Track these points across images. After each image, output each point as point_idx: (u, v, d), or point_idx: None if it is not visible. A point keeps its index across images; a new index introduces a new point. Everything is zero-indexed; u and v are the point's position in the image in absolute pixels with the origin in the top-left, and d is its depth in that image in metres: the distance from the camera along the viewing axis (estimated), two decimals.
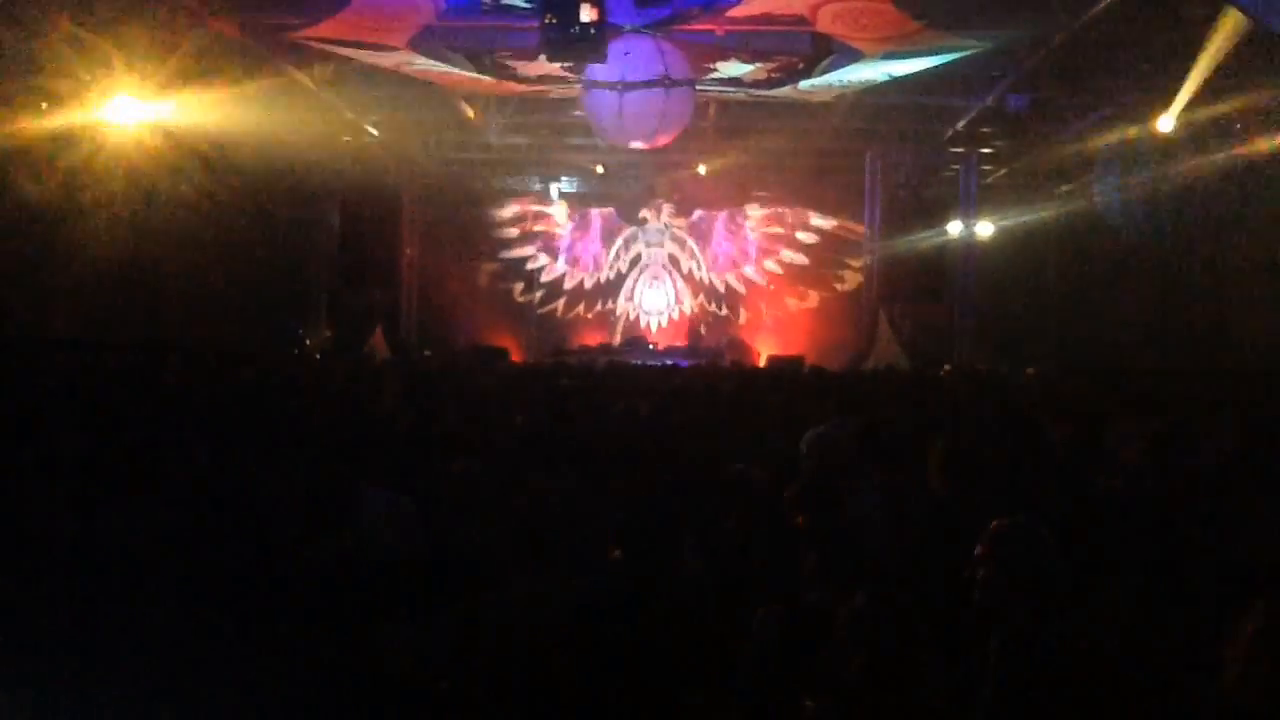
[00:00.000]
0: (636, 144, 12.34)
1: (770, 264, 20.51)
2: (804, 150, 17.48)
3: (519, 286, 20.70)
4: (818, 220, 20.14)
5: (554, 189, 19.97)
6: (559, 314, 20.79)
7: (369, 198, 17.83)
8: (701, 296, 20.70)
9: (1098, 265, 16.28)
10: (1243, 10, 8.40)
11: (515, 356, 18.05)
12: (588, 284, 20.84)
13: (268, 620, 2.50)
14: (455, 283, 19.35)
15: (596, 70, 10.42)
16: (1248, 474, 3.98)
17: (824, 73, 11.73)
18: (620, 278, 20.81)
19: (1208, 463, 4.17)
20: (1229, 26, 9.16)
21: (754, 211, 20.42)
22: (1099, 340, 16.70)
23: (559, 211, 20.63)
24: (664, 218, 20.51)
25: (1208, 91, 11.06)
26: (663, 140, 11.99)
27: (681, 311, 20.74)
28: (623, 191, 19.48)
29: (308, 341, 17.25)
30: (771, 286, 20.52)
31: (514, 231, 20.71)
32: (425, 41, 10.89)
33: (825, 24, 10.26)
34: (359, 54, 11.53)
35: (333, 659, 2.44)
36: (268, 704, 2.32)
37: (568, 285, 20.82)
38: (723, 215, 20.52)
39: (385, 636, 2.64)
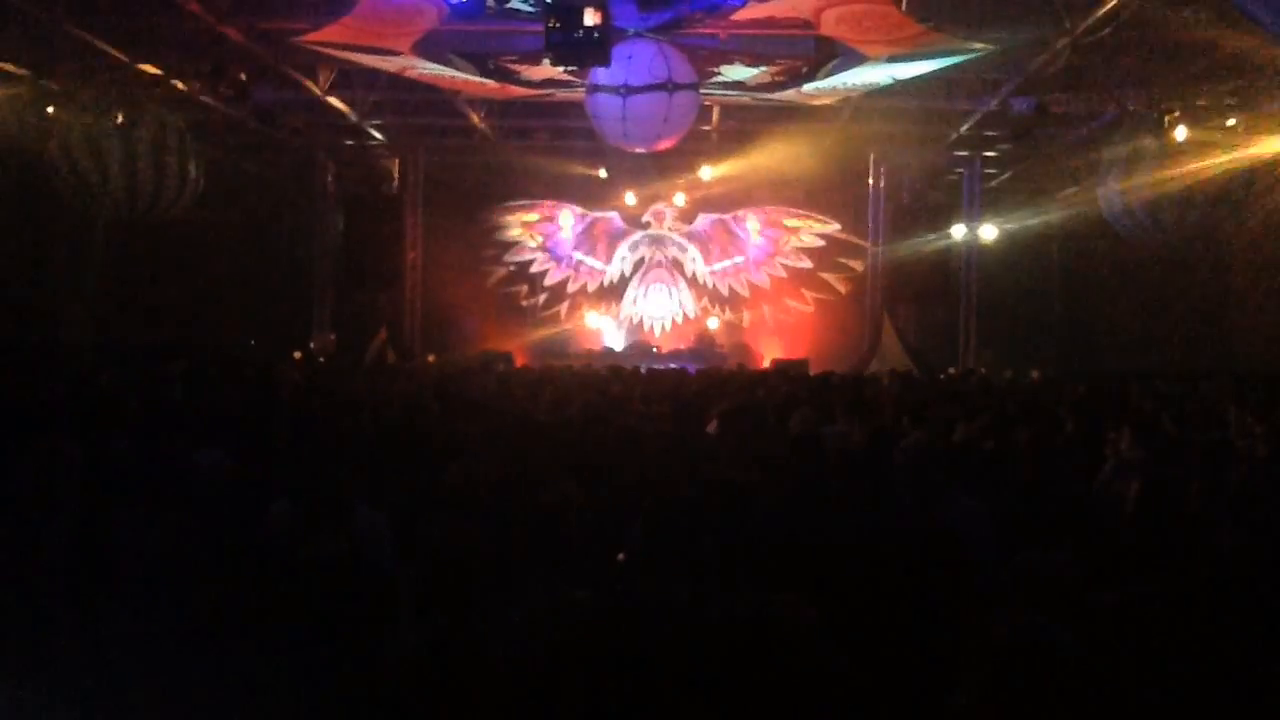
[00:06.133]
0: (640, 148, 12.34)
1: (774, 267, 20.49)
2: (808, 154, 17.47)
3: (523, 290, 20.70)
4: (821, 223, 20.12)
5: (557, 193, 20.01)
6: (562, 318, 20.79)
7: (372, 200, 17.88)
8: (705, 300, 20.68)
9: (1102, 269, 16.29)
10: (1242, 12, 8.39)
11: (519, 360, 18.05)
12: (591, 288, 20.83)
13: (266, 624, 2.49)
14: (459, 286, 19.34)
15: (600, 74, 10.43)
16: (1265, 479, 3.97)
17: (828, 76, 11.72)
18: (624, 281, 20.81)
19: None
20: None
21: (757, 215, 20.40)
22: (1102, 343, 16.71)
23: (562, 215, 20.64)
24: (667, 221, 20.50)
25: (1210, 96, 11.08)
26: (666, 144, 11.98)
27: (685, 315, 20.72)
28: (626, 195, 19.48)
29: (311, 345, 17.26)
30: (775, 290, 20.49)
31: (517, 235, 20.72)
32: (429, 46, 10.91)
33: (829, 27, 10.26)
34: (363, 58, 11.55)
35: (332, 664, 2.44)
36: (267, 708, 2.32)
37: (571, 289, 20.82)
38: (726, 219, 20.50)
39: (385, 642, 2.64)
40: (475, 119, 15.05)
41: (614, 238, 20.76)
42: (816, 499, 3.71)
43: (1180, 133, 11.71)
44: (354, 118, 14.90)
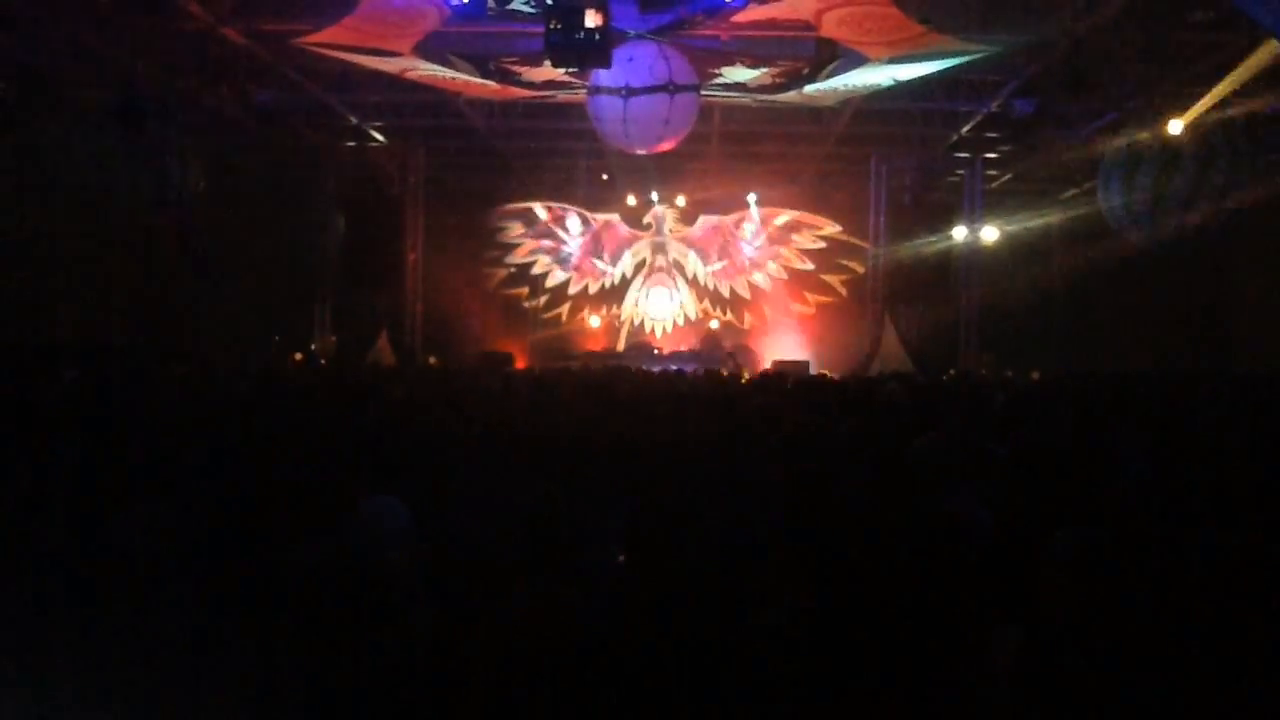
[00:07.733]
0: (641, 149, 12.35)
1: (775, 269, 20.49)
2: (808, 155, 17.49)
3: (524, 291, 20.71)
4: (822, 225, 20.12)
5: (558, 195, 20.02)
6: (563, 320, 20.80)
7: (373, 201, 17.88)
8: (706, 302, 20.69)
9: (1102, 270, 16.28)
10: (1243, 12, 8.40)
11: (520, 362, 18.06)
12: (592, 289, 20.84)
13: (267, 624, 2.49)
14: (460, 287, 19.35)
15: (601, 75, 10.43)
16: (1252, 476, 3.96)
17: (829, 77, 11.73)
18: (625, 283, 20.81)
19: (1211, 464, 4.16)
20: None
21: (758, 216, 20.40)
22: (1103, 344, 16.70)
23: (564, 217, 20.65)
24: (668, 223, 20.51)
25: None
26: (667, 145, 11.98)
27: (686, 317, 20.73)
28: (627, 197, 19.48)
29: (311, 345, 17.28)
30: (776, 292, 20.49)
31: (518, 237, 20.73)
32: (430, 47, 10.92)
33: (830, 28, 10.26)
34: (363, 59, 11.55)
35: (332, 662, 2.44)
36: (268, 707, 2.32)
37: (572, 291, 20.83)
38: (727, 220, 20.51)
39: (385, 640, 2.64)
40: (476, 120, 15.06)
41: (615, 239, 20.77)
42: (814, 498, 3.71)
43: (1179, 132, 11.71)
44: (354, 119, 14.90)
